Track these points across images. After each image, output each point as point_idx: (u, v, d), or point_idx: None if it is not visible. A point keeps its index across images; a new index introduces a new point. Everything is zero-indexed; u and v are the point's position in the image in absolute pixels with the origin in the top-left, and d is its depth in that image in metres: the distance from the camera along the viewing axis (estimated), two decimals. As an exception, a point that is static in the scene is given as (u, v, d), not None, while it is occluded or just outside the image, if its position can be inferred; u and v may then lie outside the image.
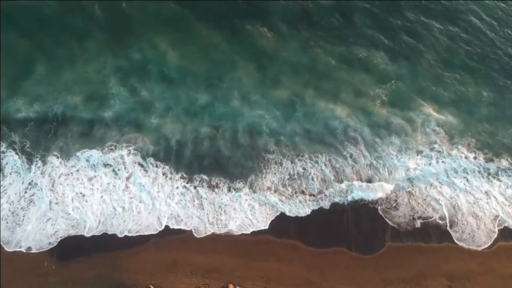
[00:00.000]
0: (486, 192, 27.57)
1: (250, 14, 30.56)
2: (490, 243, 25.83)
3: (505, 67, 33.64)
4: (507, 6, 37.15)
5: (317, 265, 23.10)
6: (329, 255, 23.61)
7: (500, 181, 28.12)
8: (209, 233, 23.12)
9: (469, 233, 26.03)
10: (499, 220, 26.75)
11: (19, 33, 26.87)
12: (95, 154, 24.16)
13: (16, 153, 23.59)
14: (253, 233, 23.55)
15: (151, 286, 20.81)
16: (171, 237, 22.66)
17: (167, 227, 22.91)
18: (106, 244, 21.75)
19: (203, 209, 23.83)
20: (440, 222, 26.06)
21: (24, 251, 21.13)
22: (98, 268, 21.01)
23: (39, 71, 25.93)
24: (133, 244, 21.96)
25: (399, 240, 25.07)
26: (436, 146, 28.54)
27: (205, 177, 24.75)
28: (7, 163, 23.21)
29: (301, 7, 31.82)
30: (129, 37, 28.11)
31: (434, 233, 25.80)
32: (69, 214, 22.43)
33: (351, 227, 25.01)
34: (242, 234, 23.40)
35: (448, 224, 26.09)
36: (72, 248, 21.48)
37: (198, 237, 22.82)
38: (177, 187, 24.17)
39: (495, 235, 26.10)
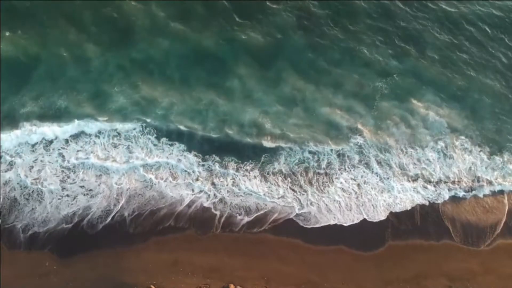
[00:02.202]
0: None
1: (251, 13, 29.98)
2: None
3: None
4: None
5: (318, 265, 23.14)
6: (329, 254, 23.64)
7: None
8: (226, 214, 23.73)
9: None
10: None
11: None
12: (106, 128, 24.25)
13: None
14: (253, 231, 23.54)
15: (152, 286, 20.85)
16: (171, 236, 22.60)
17: (169, 225, 22.88)
18: (107, 244, 21.68)
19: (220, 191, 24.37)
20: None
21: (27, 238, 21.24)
22: (99, 268, 20.97)
23: (42, 69, 25.18)
24: (134, 244, 21.90)
25: (399, 238, 25.10)
26: (439, 139, 28.57)
27: (217, 158, 25.01)
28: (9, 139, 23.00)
29: (302, 6, 31.24)
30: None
31: (433, 230, 25.85)
32: (90, 190, 22.71)
33: (352, 225, 24.98)
34: (244, 232, 23.39)
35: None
36: (73, 248, 21.41)
37: (202, 236, 22.92)
38: (192, 164, 24.52)
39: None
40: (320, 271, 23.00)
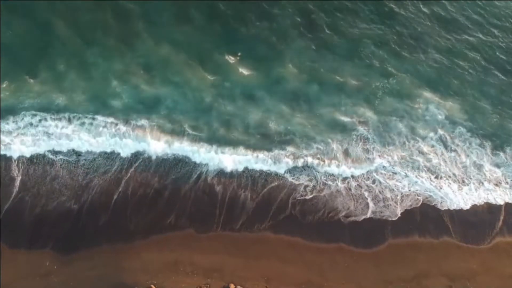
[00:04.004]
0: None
1: (252, 13, 29.59)
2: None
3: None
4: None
5: (318, 264, 23.19)
6: (329, 253, 23.68)
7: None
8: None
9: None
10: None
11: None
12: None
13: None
14: (253, 230, 23.53)
15: (152, 286, 20.87)
16: (172, 234, 22.56)
17: (169, 222, 22.84)
18: (107, 243, 21.66)
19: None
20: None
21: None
22: (100, 268, 20.95)
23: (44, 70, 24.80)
24: (135, 243, 21.87)
25: (399, 237, 25.14)
26: (440, 134, 28.73)
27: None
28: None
29: (304, 7, 31.02)
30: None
31: (433, 228, 25.91)
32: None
33: (351, 224, 24.98)
34: (243, 231, 23.34)
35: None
36: (74, 247, 21.37)
37: (202, 235, 22.93)
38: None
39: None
40: (320, 270, 23.05)
